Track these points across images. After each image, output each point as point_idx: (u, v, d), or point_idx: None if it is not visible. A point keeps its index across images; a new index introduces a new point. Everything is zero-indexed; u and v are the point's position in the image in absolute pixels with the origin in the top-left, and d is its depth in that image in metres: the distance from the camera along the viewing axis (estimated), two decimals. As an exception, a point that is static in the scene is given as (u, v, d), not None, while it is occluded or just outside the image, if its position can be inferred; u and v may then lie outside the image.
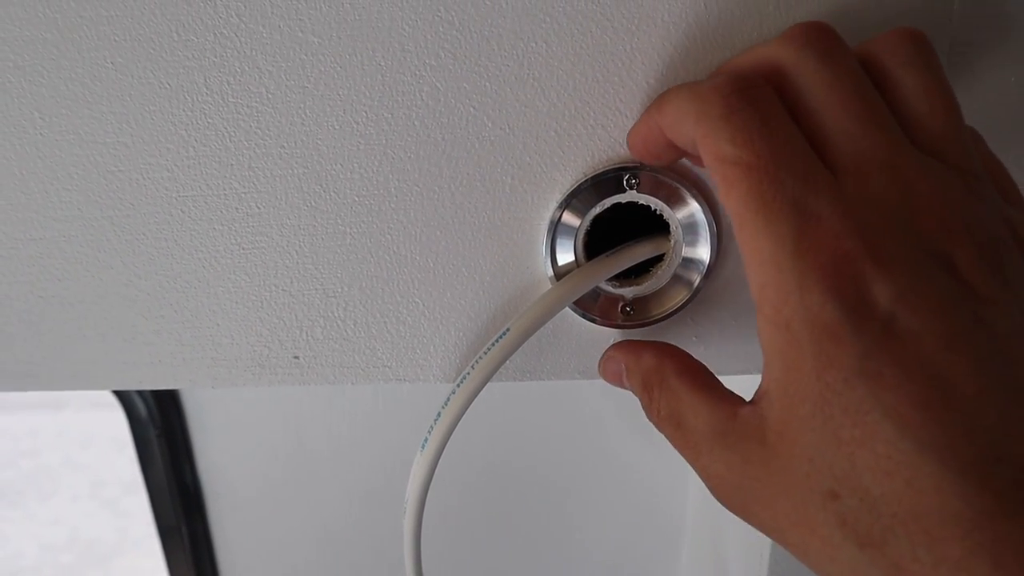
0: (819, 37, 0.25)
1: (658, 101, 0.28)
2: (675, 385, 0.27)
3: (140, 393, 0.57)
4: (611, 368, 0.32)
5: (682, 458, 0.27)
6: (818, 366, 0.21)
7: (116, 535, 2.29)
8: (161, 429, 0.56)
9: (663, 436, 0.28)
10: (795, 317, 0.22)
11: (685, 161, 0.31)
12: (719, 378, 0.28)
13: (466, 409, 0.31)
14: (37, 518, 2.34)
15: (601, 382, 0.34)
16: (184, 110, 0.31)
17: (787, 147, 0.23)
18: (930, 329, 0.21)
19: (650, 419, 0.29)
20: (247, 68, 0.30)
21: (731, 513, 0.26)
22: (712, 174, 0.24)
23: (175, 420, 0.57)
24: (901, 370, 0.21)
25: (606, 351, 0.32)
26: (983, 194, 0.24)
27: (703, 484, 0.27)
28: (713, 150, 0.24)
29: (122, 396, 0.58)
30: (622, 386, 0.31)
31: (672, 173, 0.31)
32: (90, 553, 2.25)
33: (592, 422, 0.59)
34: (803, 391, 0.22)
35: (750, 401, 0.25)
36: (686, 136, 0.26)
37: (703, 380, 0.27)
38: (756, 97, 0.24)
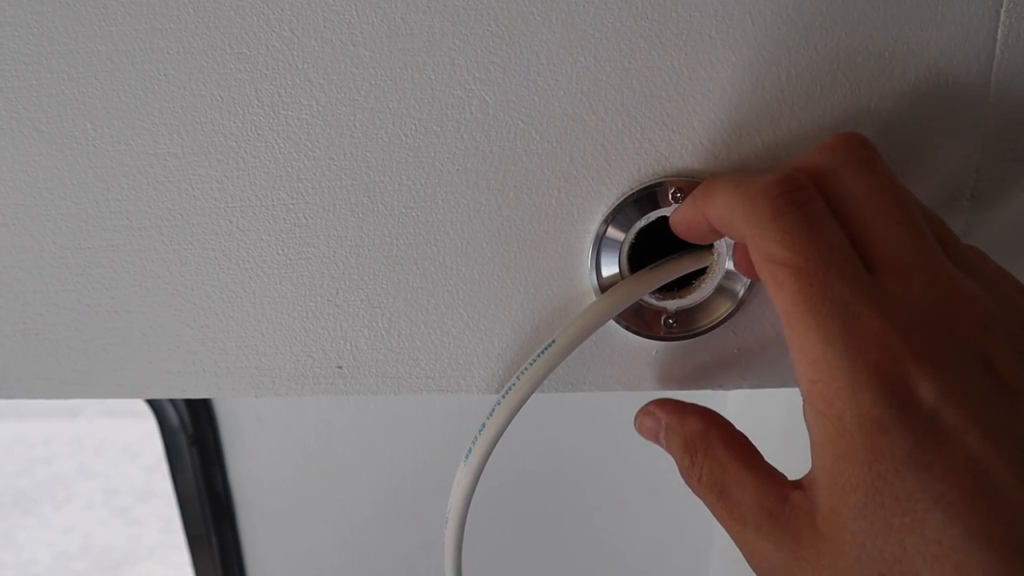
0: (857, 146, 0.27)
1: (704, 192, 0.29)
2: (721, 454, 0.28)
3: (172, 401, 0.57)
4: (648, 424, 0.32)
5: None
6: (869, 457, 0.23)
7: (129, 543, 2.30)
8: (192, 437, 0.56)
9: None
10: (847, 412, 0.23)
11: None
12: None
13: (511, 420, 0.32)
14: (51, 525, 2.35)
15: (632, 394, 0.34)
16: (235, 122, 0.31)
17: (834, 250, 0.25)
18: (973, 423, 0.22)
19: (687, 482, 0.30)
20: (299, 81, 0.31)
21: None
22: (761, 273, 0.26)
23: (207, 428, 0.58)
24: (948, 461, 0.22)
25: (645, 406, 0.32)
26: (1005, 292, 0.26)
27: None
28: (763, 251, 0.25)
29: (154, 404, 0.58)
30: (657, 443, 0.32)
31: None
32: (103, 561, 2.25)
33: (621, 433, 0.59)
34: (854, 481, 0.23)
35: (798, 484, 0.26)
36: (735, 231, 0.27)
37: (749, 454, 0.28)
38: (803, 199, 0.25)
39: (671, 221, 0.31)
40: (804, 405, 0.25)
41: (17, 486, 2.45)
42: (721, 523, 0.28)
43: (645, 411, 0.32)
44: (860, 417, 0.23)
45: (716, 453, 0.29)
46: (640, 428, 0.33)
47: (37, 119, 0.32)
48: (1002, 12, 0.29)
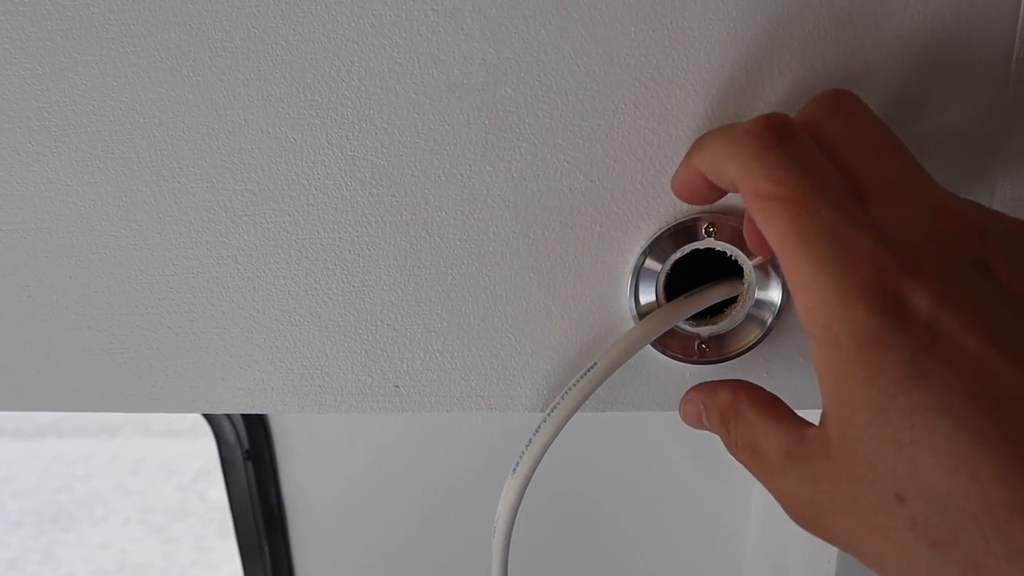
0: (842, 96, 0.28)
1: (695, 146, 0.30)
2: (749, 416, 0.29)
3: (229, 417, 0.60)
4: (690, 410, 0.33)
5: (750, 487, 0.29)
6: (869, 373, 0.23)
7: (164, 561, 2.33)
8: (249, 452, 0.60)
9: (741, 465, 0.30)
10: (842, 331, 0.23)
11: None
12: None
13: (555, 436, 0.34)
14: (89, 542, 2.39)
15: (668, 414, 0.36)
16: (306, 162, 0.35)
17: (818, 178, 0.25)
18: (973, 326, 0.22)
19: (731, 452, 0.30)
20: (365, 125, 0.34)
21: (806, 534, 0.27)
22: (753, 213, 0.26)
23: (262, 443, 0.61)
24: (950, 368, 0.22)
25: (685, 394, 0.34)
26: (999, 214, 0.27)
27: (764, 511, 0.29)
28: (752, 188, 0.26)
29: (211, 420, 0.61)
30: (702, 427, 0.33)
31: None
32: (138, 578, 2.29)
33: (656, 451, 0.62)
34: (857, 400, 0.23)
35: (817, 424, 0.26)
36: (725, 177, 0.28)
37: (775, 409, 0.29)
38: (786, 134, 0.26)
39: (673, 187, 0.32)
40: (808, 339, 0.25)
41: (57, 502, 2.50)
42: (760, 479, 0.28)
43: (685, 399, 0.34)
44: (856, 334, 0.23)
45: (745, 416, 0.29)
46: (684, 416, 0.34)
47: (130, 159, 0.35)
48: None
